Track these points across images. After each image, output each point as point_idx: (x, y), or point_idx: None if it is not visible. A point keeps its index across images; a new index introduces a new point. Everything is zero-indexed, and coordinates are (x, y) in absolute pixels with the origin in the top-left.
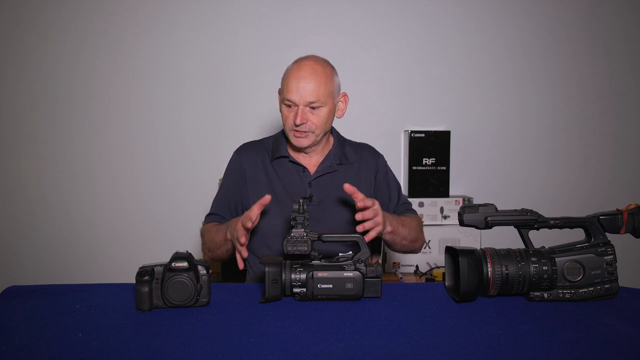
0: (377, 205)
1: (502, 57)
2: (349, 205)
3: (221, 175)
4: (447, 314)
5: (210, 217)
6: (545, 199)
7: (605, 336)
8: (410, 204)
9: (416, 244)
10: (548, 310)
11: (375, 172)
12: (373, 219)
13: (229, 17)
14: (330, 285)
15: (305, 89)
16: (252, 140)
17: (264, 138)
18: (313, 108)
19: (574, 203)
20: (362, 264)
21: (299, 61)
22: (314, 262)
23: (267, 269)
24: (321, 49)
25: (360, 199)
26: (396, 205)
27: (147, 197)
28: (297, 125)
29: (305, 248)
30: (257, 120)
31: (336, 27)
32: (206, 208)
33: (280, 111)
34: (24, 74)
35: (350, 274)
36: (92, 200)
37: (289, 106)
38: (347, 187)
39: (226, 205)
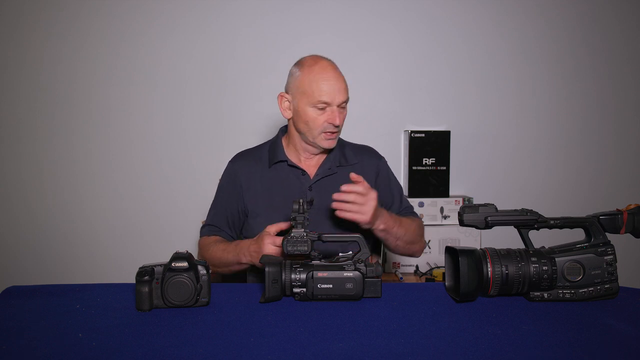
0: (366, 193)
1: (502, 57)
2: None
3: (221, 176)
4: (447, 314)
5: (207, 229)
6: (545, 199)
7: (605, 336)
8: (412, 207)
9: (414, 247)
10: (548, 310)
11: (377, 173)
12: (356, 205)
13: (229, 18)
14: (330, 285)
15: (339, 88)
16: (246, 148)
17: (259, 145)
18: (342, 107)
19: (574, 203)
20: (362, 264)
21: (316, 62)
22: (314, 262)
23: (267, 269)
24: (321, 49)
25: (355, 178)
26: (399, 209)
27: (147, 197)
28: (335, 127)
29: (305, 248)
30: (258, 121)
31: (336, 27)
32: (206, 209)
33: (298, 114)
34: (24, 74)
35: (350, 274)
36: (92, 200)
37: (321, 108)
38: (353, 176)
39: (223, 217)
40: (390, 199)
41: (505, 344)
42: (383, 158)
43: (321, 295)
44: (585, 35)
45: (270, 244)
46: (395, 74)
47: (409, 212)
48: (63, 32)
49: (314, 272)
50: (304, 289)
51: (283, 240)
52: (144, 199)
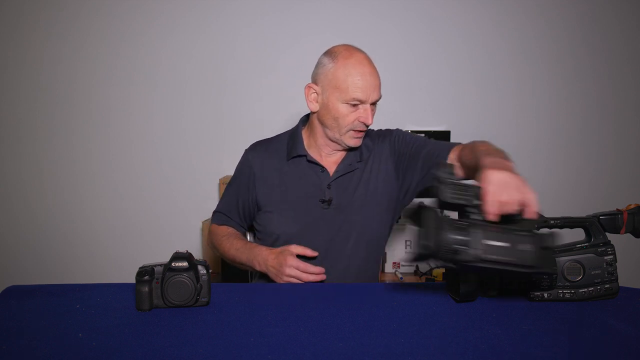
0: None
1: (502, 57)
2: (369, 206)
3: (221, 176)
4: (447, 314)
5: (217, 216)
6: (545, 199)
7: (605, 336)
8: (449, 143)
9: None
10: (548, 310)
11: (391, 150)
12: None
13: (229, 18)
14: (501, 256)
15: (375, 85)
16: (264, 138)
17: (278, 135)
18: (374, 105)
19: (574, 203)
20: (541, 231)
21: (351, 54)
22: (475, 218)
23: (431, 212)
24: (321, 49)
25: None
26: (428, 151)
27: (147, 197)
28: (366, 126)
29: (470, 198)
30: (257, 120)
31: (336, 27)
32: (206, 208)
33: (327, 108)
34: (24, 74)
35: (526, 247)
36: (92, 200)
37: (354, 105)
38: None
39: (233, 206)
40: (421, 151)
41: (505, 344)
42: (394, 131)
43: (490, 260)
44: (585, 35)
45: (293, 267)
46: (395, 74)
47: (450, 146)
48: (63, 32)
49: (483, 233)
50: (466, 248)
51: (441, 185)
52: (144, 199)
